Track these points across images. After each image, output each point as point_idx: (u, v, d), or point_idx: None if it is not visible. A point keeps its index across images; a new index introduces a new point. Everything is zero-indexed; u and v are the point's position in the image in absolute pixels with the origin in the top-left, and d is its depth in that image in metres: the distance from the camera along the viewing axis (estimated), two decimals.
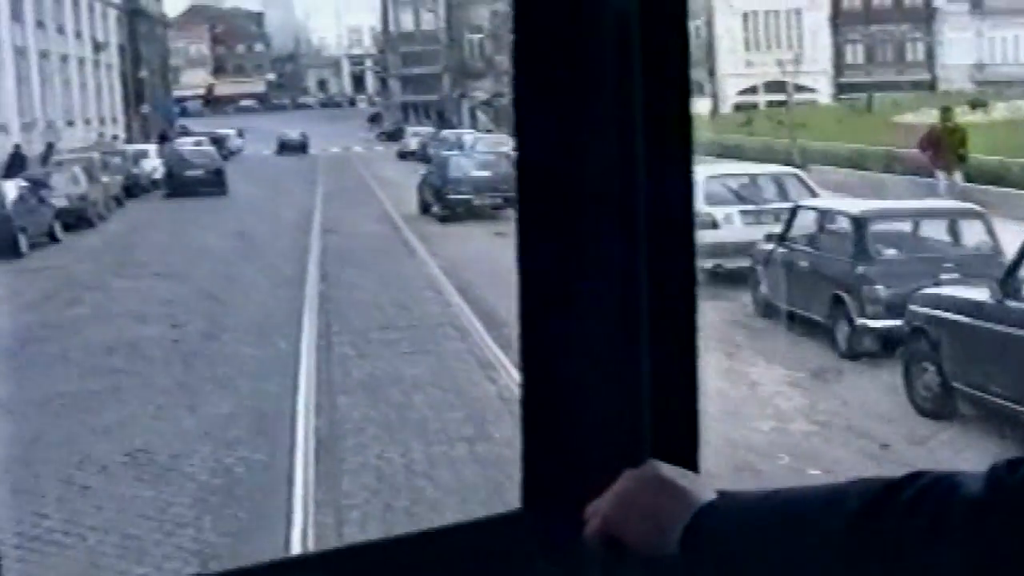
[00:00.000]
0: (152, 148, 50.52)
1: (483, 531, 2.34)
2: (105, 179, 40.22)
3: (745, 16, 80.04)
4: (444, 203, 32.39)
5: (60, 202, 34.44)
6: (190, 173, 45.13)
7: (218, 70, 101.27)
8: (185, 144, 54.98)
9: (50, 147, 46.07)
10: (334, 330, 19.21)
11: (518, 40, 2.17)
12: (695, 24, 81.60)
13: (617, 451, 2.15)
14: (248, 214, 37.94)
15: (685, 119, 2.24)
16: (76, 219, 35.17)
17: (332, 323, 19.81)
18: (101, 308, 22.07)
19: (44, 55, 55.27)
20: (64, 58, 58.44)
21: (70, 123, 58.00)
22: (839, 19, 79.10)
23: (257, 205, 41.07)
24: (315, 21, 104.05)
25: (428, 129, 64.55)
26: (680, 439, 2.21)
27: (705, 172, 23.21)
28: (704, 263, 20.35)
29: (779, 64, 79.65)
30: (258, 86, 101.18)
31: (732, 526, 1.78)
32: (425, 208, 35.51)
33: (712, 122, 64.78)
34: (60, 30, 58.20)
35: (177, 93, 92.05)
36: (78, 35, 61.14)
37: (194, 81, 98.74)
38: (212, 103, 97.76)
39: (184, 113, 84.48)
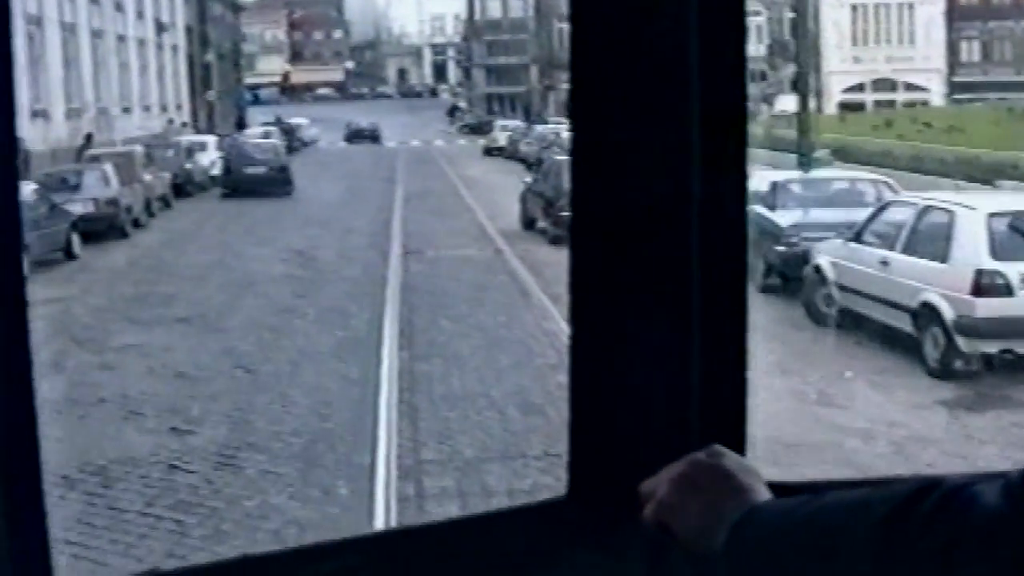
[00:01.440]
0: (211, 140, 42.58)
1: (528, 517, 2.24)
2: (148, 177, 32.32)
3: (854, 8, 71.52)
4: (556, 220, 24.10)
5: (84, 208, 26.61)
6: (251, 170, 37.21)
7: (295, 57, 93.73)
8: (248, 136, 47.15)
9: (88, 139, 38.26)
10: (426, 465, 11.04)
11: (575, 34, 2.10)
12: (795, 15, 73.22)
13: (664, 441, 2.05)
14: (314, 223, 29.96)
15: (740, 115, 2.12)
16: (106, 227, 27.37)
17: (422, 444, 11.69)
18: (81, 387, 14.14)
19: (97, 34, 47.47)
20: (121, 38, 50.63)
21: (126, 110, 50.19)
22: (954, 13, 70.43)
23: (326, 210, 33.09)
24: (396, 8, 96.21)
25: (517, 123, 56.34)
26: (728, 431, 2.07)
27: (983, 205, 15.15)
28: (985, 345, 13.91)
29: (889, 61, 71.33)
30: (336, 74, 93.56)
31: (772, 531, 1.71)
32: (529, 223, 27.33)
33: (819, 121, 56.11)
34: (119, 7, 50.40)
35: (251, 80, 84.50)
36: (139, 14, 53.34)
37: (270, 68, 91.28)
38: (288, 91, 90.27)
39: (256, 101, 76.77)
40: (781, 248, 18.52)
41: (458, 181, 41.15)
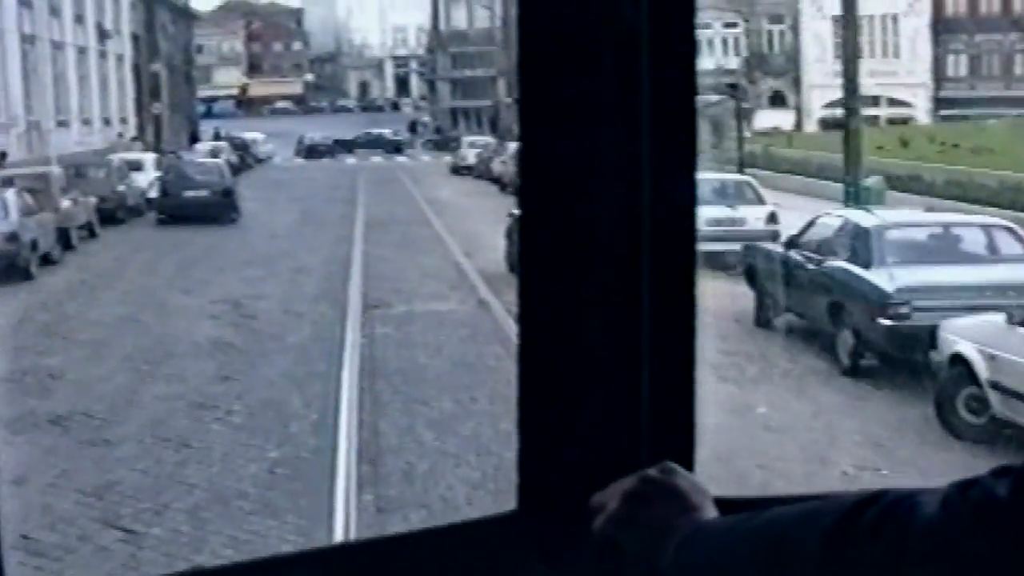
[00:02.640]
0: (149, 158, 36.88)
1: (478, 532, 2.16)
2: (66, 203, 26.67)
3: (835, 21, 66.30)
4: None
5: None
6: (191, 194, 31.53)
7: (253, 69, 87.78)
8: (194, 154, 41.46)
9: (2, 157, 32.47)
10: None
11: (523, 49, 2.03)
12: (779, 28, 68.08)
13: (615, 456, 1.99)
14: (258, 260, 24.37)
15: (690, 126, 2.09)
16: (5, 267, 21.78)
17: None
18: None
19: (29, 40, 41.72)
20: (58, 45, 44.85)
21: (62, 123, 44.43)
22: (941, 26, 65.38)
23: (275, 242, 27.50)
24: (358, 19, 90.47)
25: (487, 139, 50.75)
26: (678, 447, 2.02)
27: None
28: None
29: (872, 75, 66.16)
30: (295, 87, 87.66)
31: (718, 547, 1.70)
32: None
33: (798, 138, 50.88)
34: (54, 11, 44.62)
35: (208, 93, 78.57)
36: (79, 19, 47.51)
37: (227, 80, 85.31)
38: (245, 104, 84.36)
39: (210, 114, 70.92)
40: (886, 321, 13.09)
41: (426, 205, 35.56)
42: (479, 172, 45.76)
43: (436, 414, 12.52)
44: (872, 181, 22.70)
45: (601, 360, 2.04)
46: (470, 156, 48.48)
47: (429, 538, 2.28)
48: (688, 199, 2.06)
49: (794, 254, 16.11)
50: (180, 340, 16.63)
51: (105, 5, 51.42)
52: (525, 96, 2.03)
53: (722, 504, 1.77)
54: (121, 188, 32.53)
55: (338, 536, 8.92)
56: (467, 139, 51.89)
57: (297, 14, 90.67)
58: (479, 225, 27.42)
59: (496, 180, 39.86)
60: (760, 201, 23.36)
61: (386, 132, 63.71)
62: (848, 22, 24.55)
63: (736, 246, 22.10)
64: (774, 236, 22.61)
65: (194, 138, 59.47)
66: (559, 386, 2.04)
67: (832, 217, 16.60)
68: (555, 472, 2.04)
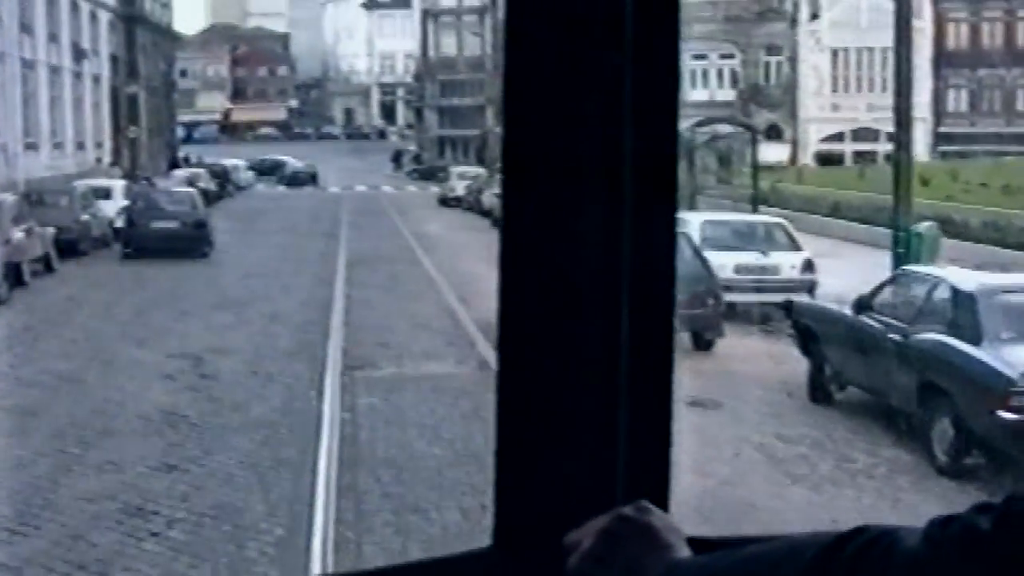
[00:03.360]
0: (118, 185, 33.72)
1: (453, 568, 2.11)
2: (18, 234, 23.57)
3: (834, 53, 63.60)
4: None
5: None
6: (159, 225, 28.43)
7: (237, 94, 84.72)
8: (165, 181, 38.34)
9: None
10: None
11: (508, 85, 1.99)
12: (776, 60, 65.24)
13: (590, 494, 1.97)
14: (228, 304, 21.29)
15: (671, 177, 2.06)
16: None
17: None
18: None
19: None
20: (30, 64, 41.75)
21: (31, 146, 41.29)
22: (941, 60, 62.64)
23: (248, 282, 24.43)
24: (345, 45, 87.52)
25: (478, 170, 47.76)
26: (653, 486, 1.99)
27: None
28: None
29: (870, 109, 63.39)
30: (280, 113, 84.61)
31: None
32: None
33: (798, 172, 47.89)
34: (26, 29, 41.57)
35: (191, 117, 75.51)
36: (52, 38, 44.45)
37: (210, 105, 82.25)
38: (228, 129, 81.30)
39: (190, 139, 67.83)
40: (1006, 414, 10.07)
41: (414, 241, 32.50)
42: (468, 204, 42.80)
43: (438, 530, 9.45)
44: (925, 228, 19.71)
45: (579, 399, 2.00)
46: (459, 187, 45.51)
47: (405, 573, 2.32)
48: (667, 244, 2.05)
49: (868, 319, 13.10)
50: (124, 409, 13.54)
51: (82, 24, 48.35)
52: (508, 147, 1.99)
53: (696, 544, 1.74)
54: (85, 217, 29.43)
55: None
56: (456, 169, 48.86)
57: (284, 39, 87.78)
58: (473, 264, 24.34)
59: (487, 213, 36.80)
60: (795, 246, 20.38)
61: (301, 167, 59.75)
62: (902, 37, 21.48)
63: (770, 296, 19.18)
64: (811, 287, 19.68)
65: (174, 163, 56.41)
66: (537, 424, 1.99)
67: (916, 276, 13.58)
68: (531, 509, 1.99)
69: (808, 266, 19.96)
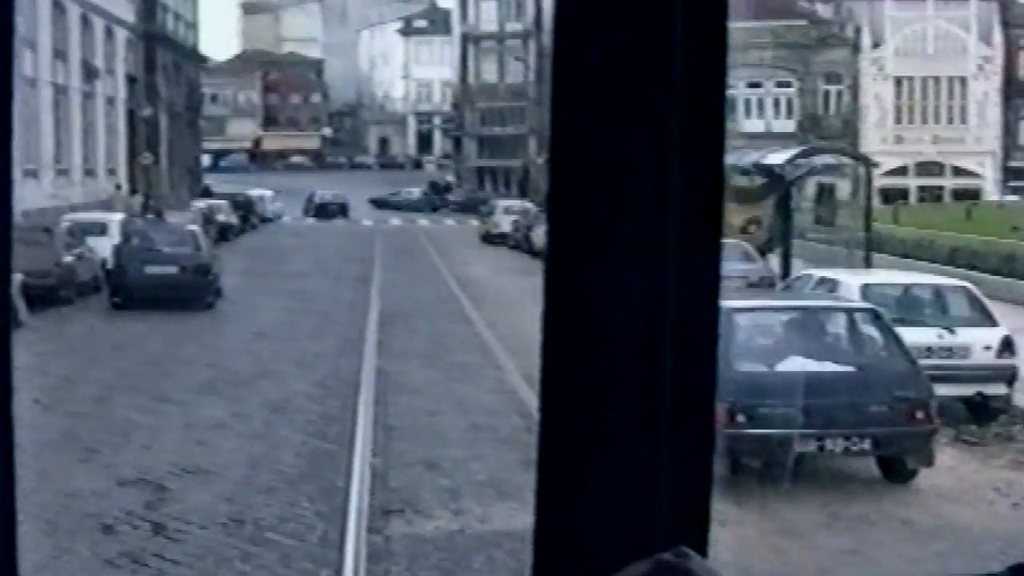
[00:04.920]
0: (115, 220, 27.92)
1: None
2: None
3: (898, 82, 57.62)
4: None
5: None
6: (154, 270, 22.67)
7: (268, 121, 79.22)
8: (175, 216, 32.58)
9: None
10: None
11: (555, 124, 1.89)
12: (836, 89, 59.26)
13: (629, 537, 1.89)
14: (223, 386, 15.53)
15: (717, 215, 1.94)
16: None
17: None
18: None
19: None
20: (32, 83, 36.18)
21: (30, 173, 35.62)
22: (1012, 90, 56.69)
23: (254, 348, 18.64)
24: (381, 72, 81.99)
25: (524, 204, 41.90)
26: (692, 531, 1.91)
27: None
28: None
29: (936, 142, 57.49)
30: (312, 142, 79.08)
31: None
32: None
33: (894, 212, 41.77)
34: (28, 44, 35.98)
35: (219, 145, 70.05)
36: (59, 54, 38.93)
37: (241, 132, 76.78)
38: (259, 158, 75.80)
39: (216, 167, 62.28)
40: None
41: (458, 288, 26.69)
42: (515, 242, 36.95)
43: None
44: None
45: (619, 442, 1.91)
46: (504, 223, 39.65)
47: None
48: (711, 289, 1.94)
49: None
50: None
51: (96, 40, 42.85)
52: (555, 185, 1.91)
53: None
54: (68, 259, 23.69)
55: None
56: (501, 203, 42.96)
57: (317, 65, 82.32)
58: (534, 323, 18.35)
59: (537, 254, 30.88)
60: (987, 319, 14.44)
61: (330, 198, 53.61)
62: None
63: (958, 389, 13.28)
64: (1011, 376, 13.78)
65: (206, 192, 50.87)
66: (577, 466, 1.91)
67: None
68: (570, 553, 1.91)
69: (1007, 346, 14.06)
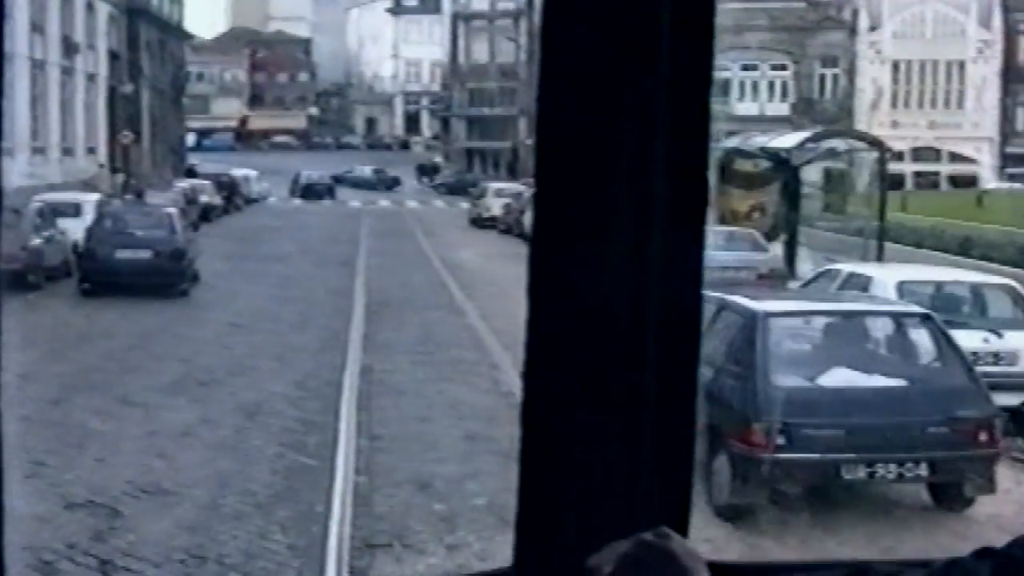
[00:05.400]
0: (90, 200, 26.35)
1: None
2: None
3: (895, 66, 56.15)
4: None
5: None
6: (125, 255, 21.13)
7: (255, 100, 77.44)
8: (156, 195, 31.05)
9: None
10: None
11: (542, 105, 1.89)
12: (832, 72, 57.72)
13: (611, 517, 1.90)
14: (188, 388, 14.02)
15: (702, 201, 1.94)
16: None
17: None
18: None
19: None
20: (7, 56, 34.43)
21: (3, 152, 33.88)
22: (1011, 75, 55.23)
23: (229, 342, 17.17)
24: (369, 52, 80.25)
25: (516, 187, 40.35)
26: (673, 511, 1.93)
27: None
28: None
29: (933, 127, 55.99)
30: (299, 121, 77.34)
31: None
32: None
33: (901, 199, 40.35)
34: (2, 15, 34.21)
35: (203, 123, 68.33)
36: (36, 27, 37.22)
37: (226, 111, 74.99)
38: (244, 137, 74.07)
39: (199, 147, 60.58)
40: None
41: (448, 275, 25.19)
42: (506, 226, 35.48)
43: None
44: None
45: (602, 425, 1.91)
46: (495, 206, 38.16)
47: None
48: (695, 271, 1.94)
49: None
50: None
51: (75, 14, 41.14)
52: (541, 163, 1.89)
53: (715, 568, 1.69)
54: (37, 242, 22.14)
55: None
56: (493, 186, 41.40)
57: (305, 44, 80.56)
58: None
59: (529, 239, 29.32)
60: None
61: (316, 179, 51.94)
62: None
63: (1006, 399, 11.79)
64: None
65: (190, 172, 49.19)
66: (560, 448, 1.91)
67: None
68: (552, 532, 1.91)
69: None
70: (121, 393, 13.55)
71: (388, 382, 14.37)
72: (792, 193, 23.95)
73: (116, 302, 19.93)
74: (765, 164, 25.34)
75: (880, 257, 21.43)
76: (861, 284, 13.13)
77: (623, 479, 1.92)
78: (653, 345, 1.91)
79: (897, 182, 51.23)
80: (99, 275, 20.93)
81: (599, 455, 1.91)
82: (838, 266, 14.85)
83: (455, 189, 52.83)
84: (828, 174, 25.62)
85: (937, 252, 25.02)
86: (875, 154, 22.79)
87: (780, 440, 8.90)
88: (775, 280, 18.86)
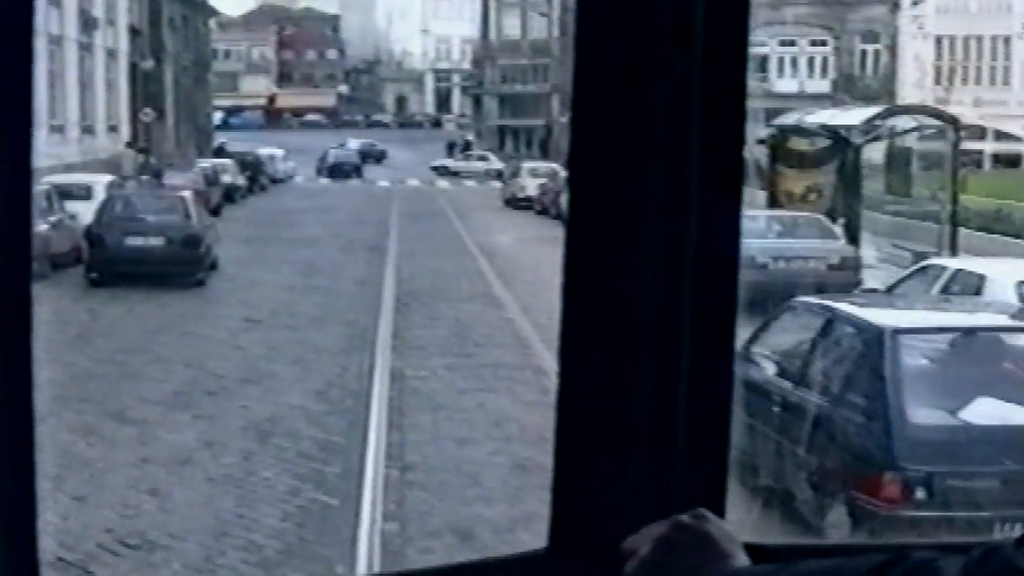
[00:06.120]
0: (101, 182, 24.43)
1: (507, 570, 1.97)
2: None
3: (939, 41, 53.77)
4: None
5: None
6: (136, 242, 19.23)
7: (283, 78, 75.46)
8: (171, 177, 29.15)
9: None
10: None
11: (577, 92, 1.87)
12: (873, 48, 55.43)
13: (647, 500, 1.86)
14: (192, 401, 12.10)
15: (737, 177, 1.91)
16: None
17: None
18: None
19: None
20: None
21: None
22: None
23: (244, 339, 15.25)
24: (398, 28, 78.19)
25: (551, 165, 38.26)
26: (710, 493, 1.86)
27: None
28: None
29: (978, 104, 53.61)
30: (328, 99, 75.31)
31: None
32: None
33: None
34: None
35: (231, 102, 66.42)
36: (53, 2, 35.33)
37: (255, 89, 72.98)
38: (273, 116, 72.15)
39: (226, 125, 58.68)
40: None
41: (485, 261, 23.22)
42: (542, 207, 33.43)
43: None
44: None
45: (638, 405, 1.88)
46: (530, 186, 36.12)
47: (456, 574, 2.14)
48: (732, 250, 1.90)
49: None
50: None
51: None
52: (576, 143, 1.87)
53: (752, 550, 1.66)
54: (43, 227, 20.22)
55: None
56: (527, 165, 39.34)
57: (333, 21, 78.51)
58: None
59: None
60: None
61: (343, 158, 49.48)
62: None
63: None
64: None
65: (220, 150, 47.31)
66: (595, 429, 1.88)
67: None
68: (587, 514, 1.88)
69: None
70: (116, 407, 11.65)
71: (421, 391, 12.44)
72: (854, 174, 21.87)
73: (124, 293, 18.08)
74: (822, 143, 23.30)
75: (954, 245, 19.42)
76: (971, 284, 11.07)
77: (659, 460, 1.86)
78: (688, 330, 1.85)
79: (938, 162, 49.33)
80: (107, 264, 19.09)
81: (634, 436, 1.86)
82: (939, 261, 12.83)
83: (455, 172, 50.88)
84: (891, 153, 23.51)
85: (1009, 238, 22.92)
86: (949, 136, 20.66)
87: (920, 494, 6.90)
88: (848, 271, 16.81)
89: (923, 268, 12.77)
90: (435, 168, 51.45)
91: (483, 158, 53.27)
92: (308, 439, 10.66)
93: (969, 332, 8.20)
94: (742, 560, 1.63)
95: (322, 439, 10.65)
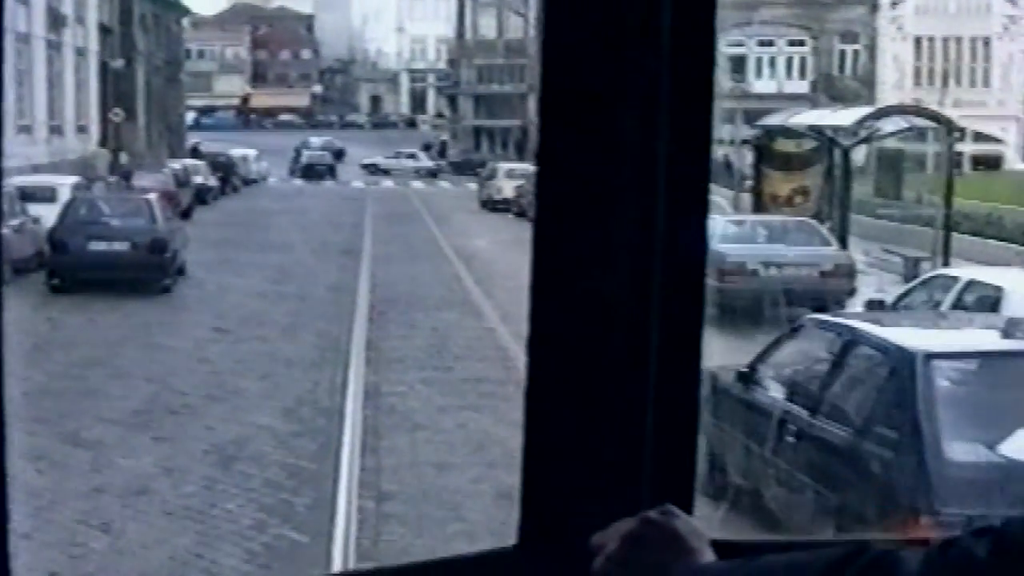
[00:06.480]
0: (66, 184, 23.48)
1: (477, 567, 1.96)
2: None
3: (918, 42, 53.19)
4: None
5: None
6: (99, 247, 18.35)
7: (257, 78, 74.42)
8: (144, 177, 28.22)
9: None
10: None
11: (544, 93, 1.89)
12: (852, 48, 54.80)
13: (616, 495, 1.84)
14: (152, 421, 11.24)
15: (704, 179, 1.90)
16: None
17: None
18: None
19: None
20: None
21: None
22: None
23: (208, 355, 14.37)
24: (373, 28, 77.24)
25: (527, 167, 37.45)
26: (678, 489, 1.87)
27: None
28: None
29: (957, 105, 53.01)
30: (302, 99, 74.30)
31: None
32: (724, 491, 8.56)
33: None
34: None
35: (205, 102, 65.44)
36: None
37: (229, 89, 72.00)
38: (246, 116, 71.14)
39: (198, 126, 57.67)
40: None
41: (462, 266, 22.39)
42: (519, 209, 32.59)
43: None
44: None
45: (606, 402, 1.86)
46: (507, 188, 35.31)
47: (428, 571, 2.12)
48: (698, 250, 1.91)
49: None
50: None
51: None
52: (543, 144, 1.87)
53: (719, 547, 1.66)
54: (4, 231, 19.32)
55: None
56: (503, 166, 38.51)
57: (308, 20, 77.52)
58: None
59: None
60: None
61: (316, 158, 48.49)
62: None
63: None
64: None
65: (195, 151, 46.38)
66: (564, 426, 1.86)
67: None
68: (557, 510, 1.87)
69: None
70: (71, 428, 10.78)
71: (399, 410, 11.61)
72: (844, 176, 21.14)
73: (87, 301, 17.20)
74: (810, 144, 22.57)
75: (947, 249, 18.72)
76: (988, 297, 10.27)
77: (628, 458, 1.85)
78: (657, 326, 1.84)
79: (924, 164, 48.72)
80: (70, 270, 18.20)
81: (603, 434, 1.85)
82: (947, 271, 12.03)
83: (462, 168, 50.19)
84: (880, 155, 22.79)
85: (1003, 242, 22.21)
86: (941, 133, 19.95)
87: None
88: (841, 278, 16.05)
89: (930, 278, 11.98)
90: (365, 166, 51.06)
91: (412, 156, 53.40)
92: (275, 464, 9.81)
93: (1014, 356, 7.39)
94: (709, 556, 1.62)
95: (291, 464, 9.80)
